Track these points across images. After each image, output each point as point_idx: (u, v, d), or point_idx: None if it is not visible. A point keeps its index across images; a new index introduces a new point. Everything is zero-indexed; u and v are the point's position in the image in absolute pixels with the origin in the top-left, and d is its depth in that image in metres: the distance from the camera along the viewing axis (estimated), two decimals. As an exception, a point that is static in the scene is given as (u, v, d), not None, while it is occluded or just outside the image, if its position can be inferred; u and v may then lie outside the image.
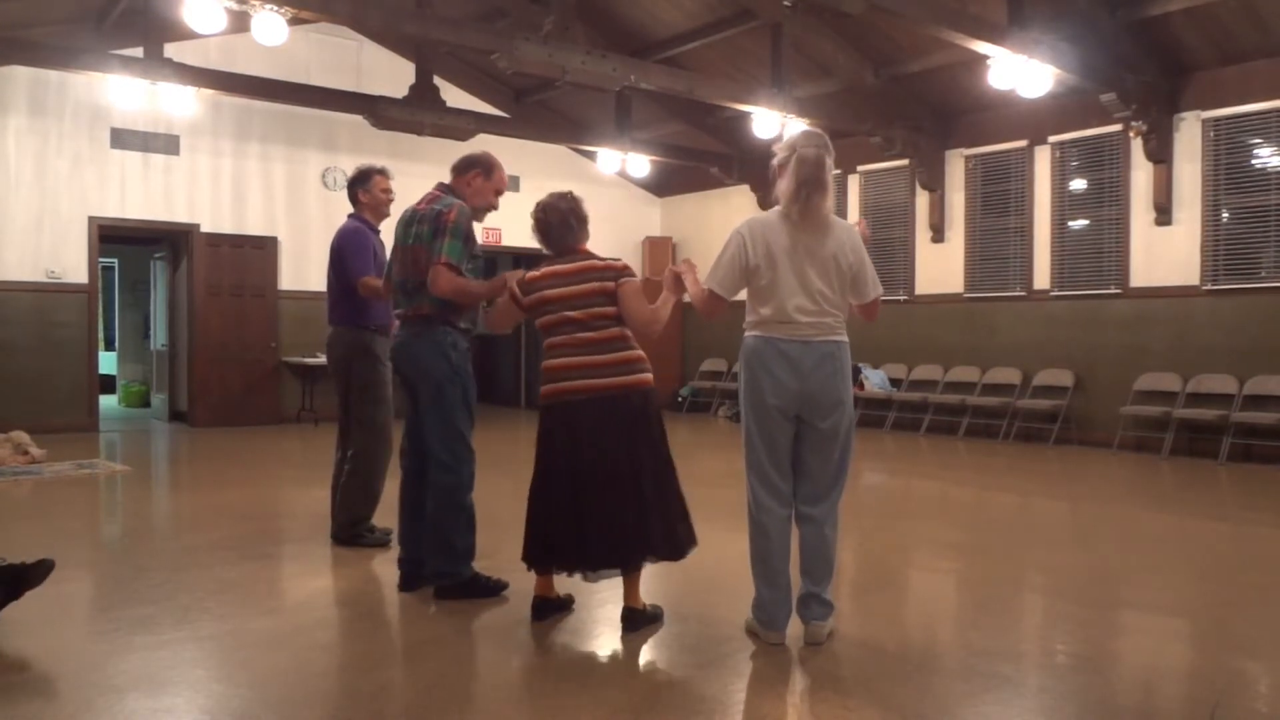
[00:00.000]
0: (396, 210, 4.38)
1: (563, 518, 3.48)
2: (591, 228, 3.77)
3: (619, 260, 3.67)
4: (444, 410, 3.90)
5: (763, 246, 3.28)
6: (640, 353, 3.58)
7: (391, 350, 4.09)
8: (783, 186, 3.28)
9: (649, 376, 3.58)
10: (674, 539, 3.51)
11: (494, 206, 4.15)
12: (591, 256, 3.62)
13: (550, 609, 3.64)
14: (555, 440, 3.52)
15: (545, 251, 3.70)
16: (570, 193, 3.72)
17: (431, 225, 3.86)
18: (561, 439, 3.50)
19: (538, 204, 3.68)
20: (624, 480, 3.44)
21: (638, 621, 3.50)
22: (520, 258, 12.42)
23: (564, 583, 3.74)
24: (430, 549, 3.94)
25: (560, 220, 3.62)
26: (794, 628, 3.38)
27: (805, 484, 3.36)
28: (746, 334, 3.37)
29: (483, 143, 10.68)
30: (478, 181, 4.05)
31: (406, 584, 4.04)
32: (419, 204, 4.03)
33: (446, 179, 4.11)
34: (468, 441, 3.96)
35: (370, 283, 4.70)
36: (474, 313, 4.03)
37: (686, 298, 3.51)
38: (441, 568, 3.91)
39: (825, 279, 3.26)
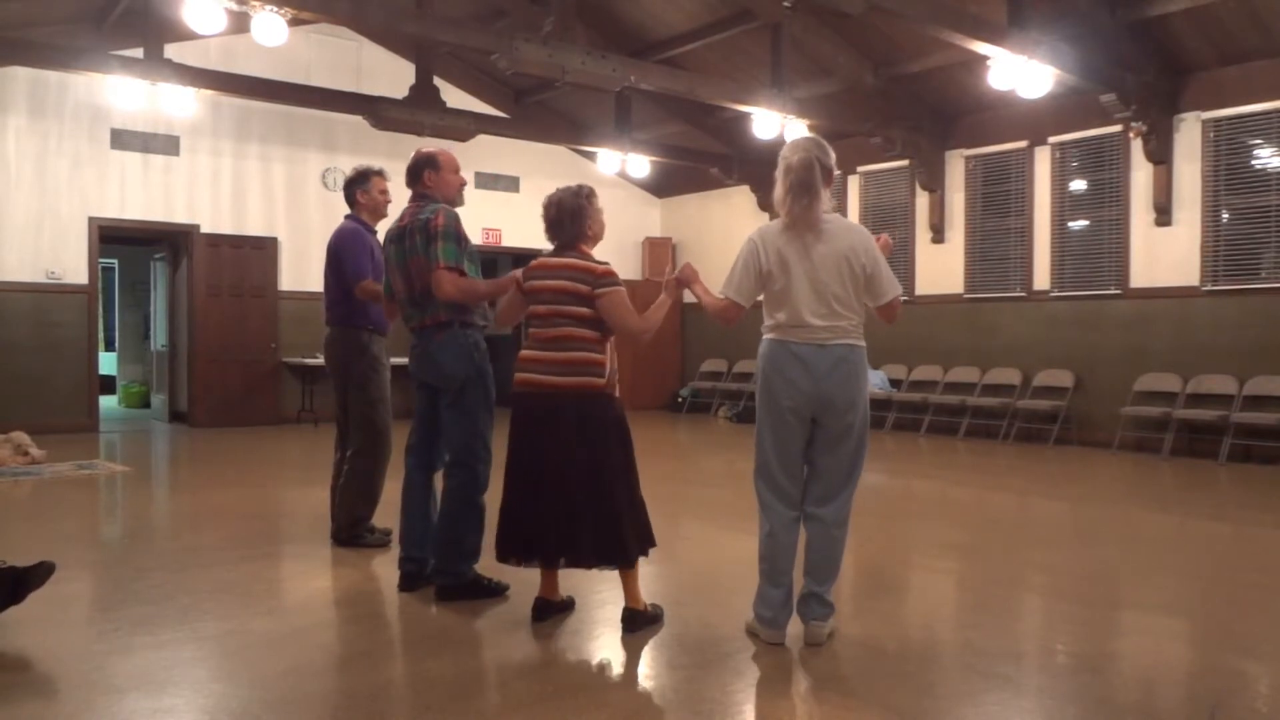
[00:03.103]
0: (388, 220, 4.37)
1: (521, 508, 3.52)
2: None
3: (604, 265, 3.55)
4: (465, 410, 3.91)
5: (774, 252, 3.31)
6: (598, 357, 3.49)
7: (411, 358, 4.06)
8: (777, 193, 3.34)
9: (600, 381, 3.49)
10: (608, 546, 3.47)
11: (463, 184, 4.18)
12: (584, 256, 3.58)
13: (551, 610, 3.64)
14: (517, 432, 3.57)
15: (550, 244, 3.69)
16: (579, 187, 3.65)
17: (423, 234, 3.88)
18: (515, 429, 3.57)
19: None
20: (560, 480, 3.45)
21: (638, 622, 3.49)
22: (520, 257, 12.43)
23: (566, 585, 3.74)
24: (438, 545, 3.95)
25: (554, 214, 3.61)
26: (794, 628, 3.38)
27: (816, 484, 3.38)
28: (764, 337, 3.40)
29: (482, 143, 10.74)
30: (434, 179, 4.06)
31: (407, 584, 4.04)
32: (403, 219, 4.03)
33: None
34: (486, 441, 3.96)
35: (369, 287, 4.69)
36: (484, 308, 4.04)
37: (690, 298, 3.52)
38: (446, 565, 3.91)
39: (839, 281, 3.27)
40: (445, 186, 4.09)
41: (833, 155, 3.36)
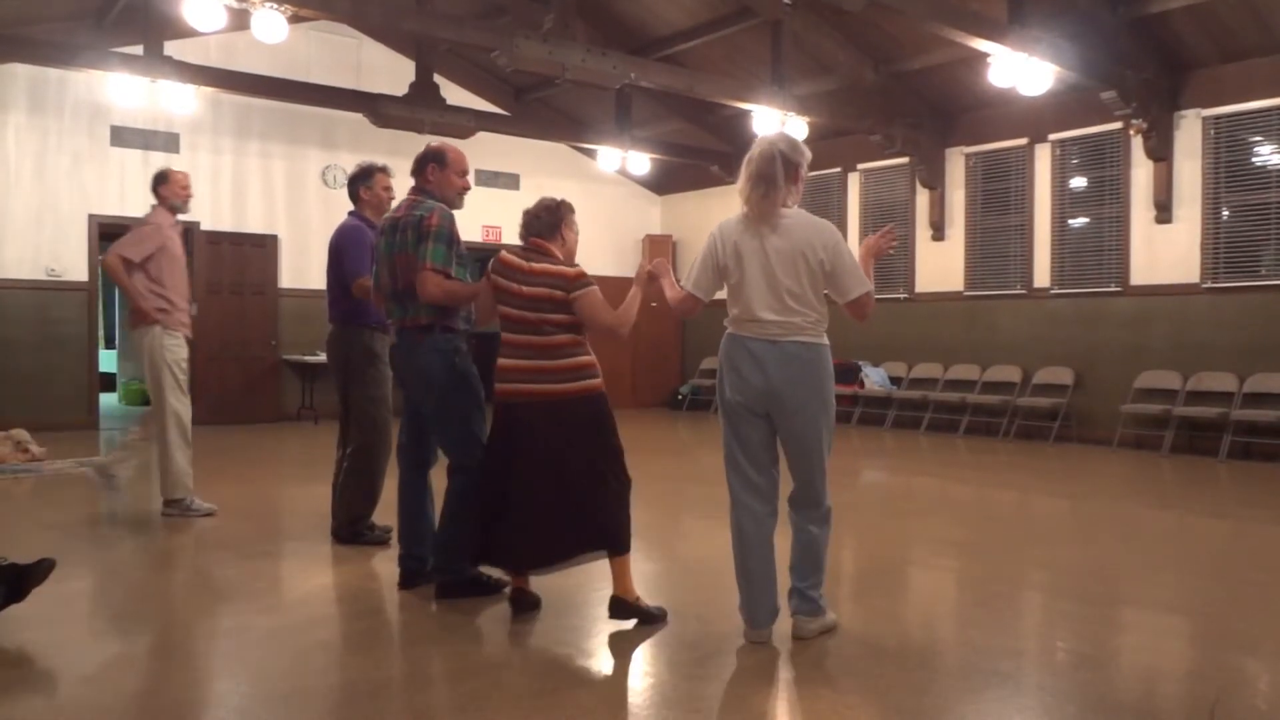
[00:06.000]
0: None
1: (497, 516, 3.56)
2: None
3: (575, 268, 3.61)
4: (452, 415, 3.88)
5: (731, 247, 3.31)
6: (589, 359, 3.58)
7: (391, 357, 4.06)
8: (739, 184, 3.34)
9: (598, 383, 3.58)
10: (610, 534, 3.52)
11: (466, 189, 4.10)
12: (555, 259, 3.60)
13: (527, 602, 3.67)
14: (501, 439, 3.60)
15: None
16: (561, 201, 3.74)
17: (415, 231, 3.83)
18: (507, 439, 3.58)
19: None
20: (566, 482, 3.48)
21: (623, 610, 3.52)
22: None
23: (567, 582, 3.75)
24: (437, 543, 3.94)
25: (532, 211, 3.69)
26: (787, 627, 3.39)
27: (790, 483, 3.38)
28: (725, 331, 3.39)
29: (483, 141, 10.73)
30: (436, 175, 4.00)
31: (407, 581, 4.04)
32: (398, 211, 4.00)
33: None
34: (481, 441, 3.93)
35: (365, 284, 4.66)
36: (469, 310, 4.01)
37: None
38: (445, 563, 3.91)
39: (794, 277, 3.22)
40: (446, 186, 4.02)
41: (805, 154, 3.32)
